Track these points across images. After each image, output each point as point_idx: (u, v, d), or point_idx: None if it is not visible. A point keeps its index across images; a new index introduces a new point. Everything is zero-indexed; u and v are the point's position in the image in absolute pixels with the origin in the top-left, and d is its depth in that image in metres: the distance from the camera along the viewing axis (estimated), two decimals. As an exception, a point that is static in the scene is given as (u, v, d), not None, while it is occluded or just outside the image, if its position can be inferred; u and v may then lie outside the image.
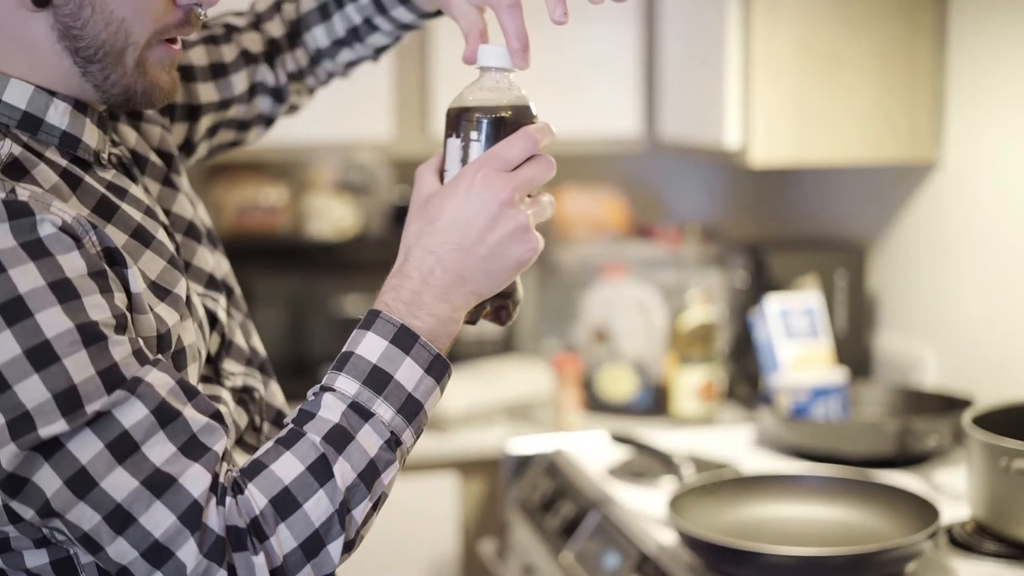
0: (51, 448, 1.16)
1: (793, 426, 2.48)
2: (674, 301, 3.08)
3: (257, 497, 1.21)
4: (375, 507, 1.26)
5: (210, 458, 1.21)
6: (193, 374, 1.36)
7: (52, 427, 1.15)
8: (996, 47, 2.47)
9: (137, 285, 1.27)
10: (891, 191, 2.86)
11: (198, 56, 1.67)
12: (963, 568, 1.93)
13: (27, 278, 1.16)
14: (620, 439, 2.42)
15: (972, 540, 2.00)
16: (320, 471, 1.22)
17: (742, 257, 3.02)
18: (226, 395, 1.45)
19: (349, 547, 1.24)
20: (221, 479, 1.20)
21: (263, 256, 3.15)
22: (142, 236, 1.35)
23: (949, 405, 2.45)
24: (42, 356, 1.16)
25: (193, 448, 1.21)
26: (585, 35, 3.21)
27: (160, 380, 1.22)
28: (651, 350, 3.08)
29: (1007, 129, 2.45)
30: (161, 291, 1.33)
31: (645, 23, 3.24)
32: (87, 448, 1.17)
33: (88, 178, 1.34)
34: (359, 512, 1.23)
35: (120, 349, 1.20)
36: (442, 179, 1.35)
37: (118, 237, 1.31)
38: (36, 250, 1.18)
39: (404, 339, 1.27)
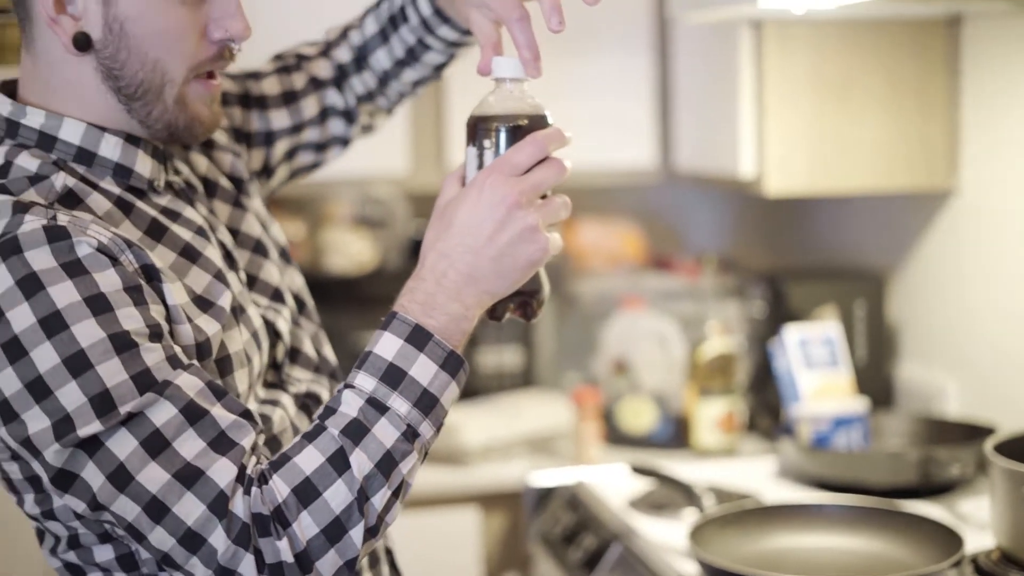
0: (92, 446, 1.28)
1: (814, 456, 2.47)
2: (693, 332, 3.08)
3: (280, 487, 1.29)
4: (396, 495, 1.33)
5: (237, 452, 1.31)
6: (242, 378, 1.48)
7: (89, 427, 1.27)
8: (1009, 72, 2.47)
9: (174, 298, 1.39)
10: (908, 219, 2.86)
11: (271, 86, 1.82)
12: (988, 597, 1.92)
13: (65, 294, 1.29)
14: (641, 471, 2.41)
15: (997, 569, 1.98)
16: (338, 462, 1.30)
17: (760, 287, 3.02)
18: (287, 400, 1.57)
19: (372, 532, 1.32)
20: (248, 471, 1.30)
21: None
22: (189, 254, 1.47)
23: (971, 434, 2.44)
24: (78, 364, 1.28)
25: (221, 443, 1.31)
26: (599, 66, 3.22)
27: (189, 382, 1.32)
28: (671, 382, 3.08)
29: (1023, 154, 2.44)
30: (204, 303, 1.44)
31: (659, 54, 3.25)
32: (123, 445, 1.28)
33: (141, 204, 1.47)
34: (378, 500, 1.31)
35: (152, 355, 1.31)
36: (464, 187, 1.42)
37: (166, 255, 1.44)
38: (74, 269, 1.30)
39: (418, 337, 1.34)
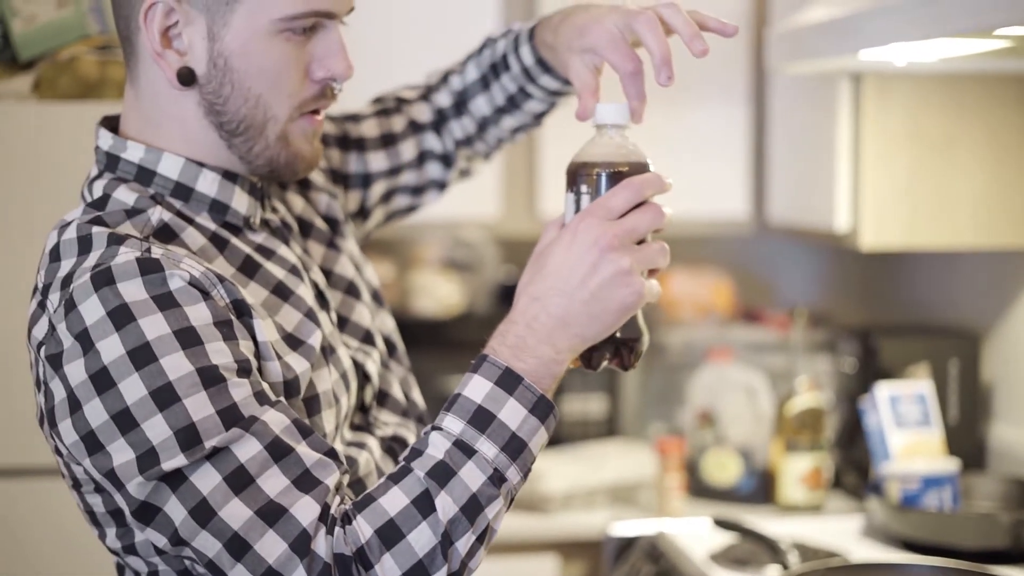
0: (176, 480, 1.28)
1: (903, 515, 2.43)
2: (781, 386, 3.04)
3: (364, 528, 1.28)
4: (480, 540, 1.31)
5: (321, 491, 1.30)
6: (328, 419, 1.47)
7: (173, 461, 1.27)
8: None
9: (264, 335, 1.39)
10: (1006, 277, 2.81)
11: (370, 128, 1.82)
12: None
13: (155, 327, 1.29)
14: (724, 524, 2.38)
15: (1089, 639, 1.93)
16: (423, 504, 1.29)
17: (851, 343, 2.98)
18: (373, 443, 1.55)
19: None
20: (332, 510, 1.29)
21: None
22: (281, 291, 1.47)
23: None
24: (165, 396, 1.28)
25: (305, 481, 1.30)
26: (696, 116, 3.21)
27: (276, 419, 1.32)
28: (757, 435, 3.04)
29: None
30: (294, 341, 1.44)
31: (755, 105, 3.23)
32: (207, 480, 1.28)
33: (235, 240, 1.48)
34: (462, 544, 1.29)
35: (240, 391, 1.31)
36: None
37: (258, 293, 1.45)
38: (165, 302, 1.31)
39: (508, 381, 1.33)
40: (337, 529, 1.29)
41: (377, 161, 1.81)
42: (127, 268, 1.32)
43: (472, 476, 1.30)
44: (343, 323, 1.61)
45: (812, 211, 2.81)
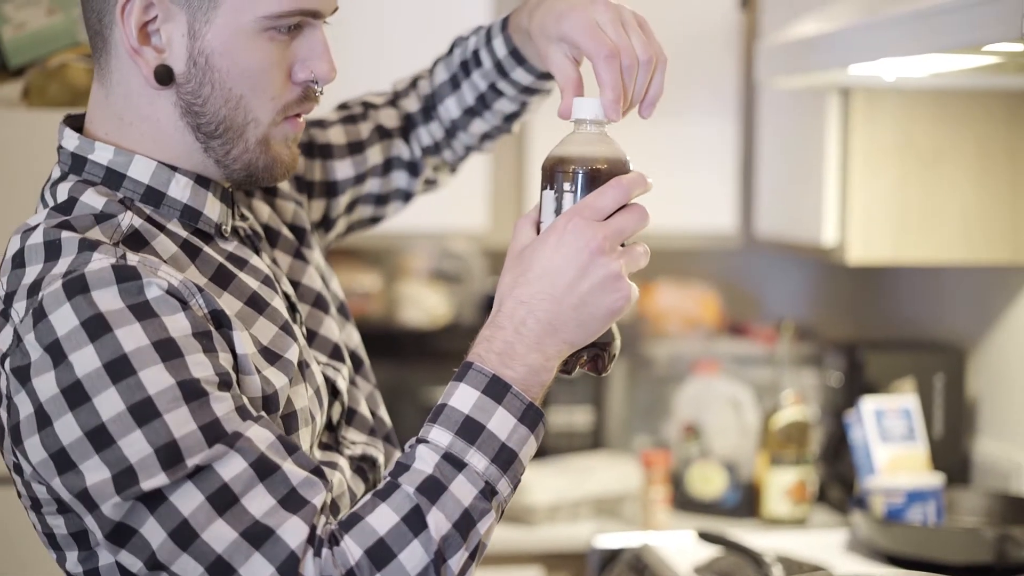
0: (155, 500, 1.22)
1: (887, 529, 2.43)
2: (767, 400, 3.04)
3: (353, 548, 1.23)
4: (472, 557, 1.27)
5: (308, 511, 1.24)
6: (305, 437, 1.41)
7: (153, 480, 1.21)
8: None
9: (243, 347, 1.33)
10: (992, 293, 2.82)
11: (337, 135, 1.76)
12: None
13: (132, 337, 1.23)
14: (708, 537, 2.37)
15: (1073, 655, 1.94)
16: (414, 521, 1.24)
17: (837, 357, 2.99)
18: (343, 463, 1.49)
19: None
20: (319, 531, 1.24)
21: (355, 342, 3.16)
22: (256, 303, 1.41)
23: None
24: (144, 412, 1.22)
25: (292, 501, 1.24)
26: (683, 129, 3.21)
27: (260, 435, 1.26)
28: (742, 448, 3.04)
29: None
30: (271, 355, 1.38)
31: (744, 118, 3.24)
32: (189, 500, 1.22)
33: (207, 249, 1.41)
34: (455, 562, 1.25)
35: (222, 405, 1.25)
36: (538, 231, 1.35)
37: (232, 304, 1.38)
38: (142, 311, 1.25)
39: (496, 389, 1.28)
40: (325, 550, 1.23)
41: (343, 169, 1.75)
42: (102, 275, 1.25)
43: (463, 490, 1.26)
44: (312, 337, 1.55)
45: (800, 225, 2.81)
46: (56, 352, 1.23)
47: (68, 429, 1.22)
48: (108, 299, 1.24)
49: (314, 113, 1.54)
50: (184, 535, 1.21)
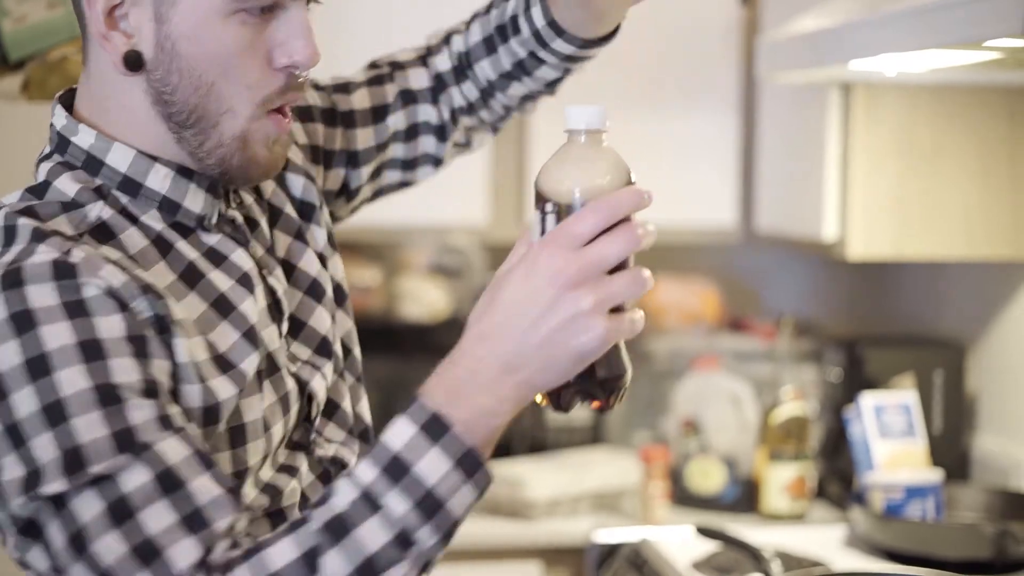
0: (58, 504, 1.17)
1: (886, 525, 2.44)
2: (767, 395, 3.05)
3: None
4: None
5: (207, 534, 1.17)
6: (255, 450, 1.34)
7: (54, 484, 1.16)
8: None
9: (185, 355, 1.26)
10: (992, 289, 2.83)
11: (361, 100, 1.67)
12: None
13: (57, 336, 1.18)
14: (707, 532, 2.38)
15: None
16: (309, 561, 1.14)
17: (837, 353, 2.99)
18: (305, 468, 1.42)
19: None
20: (215, 555, 1.16)
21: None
22: (222, 306, 1.34)
23: None
24: (55, 414, 1.17)
25: (192, 521, 1.17)
26: (684, 124, 3.21)
27: (174, 448, 1.19)
28: (742, 444, 3.04)
29: None
30: (225, 364, 1.31)
31: (745, 113, 3.24)
32: (87, 508, 1.16)
33: (181, 245, 1.34)
34: None
35: (139, 413, 1.19)
36: None
37: (194, 306, 1.31)
38: (75, 310, 1.20)
39: (434, 427, 1.15)
40: None
41: (365, 139, 1.66)
42: (40, 270, 1.20)
43: (372, 535, 1.13)
44: (299, 328, 1.46)
45: (800, 220, 2.82)
46: None
47: None
48: (42, 295, 1.19)
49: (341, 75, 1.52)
50: (79, 543, 1.16)
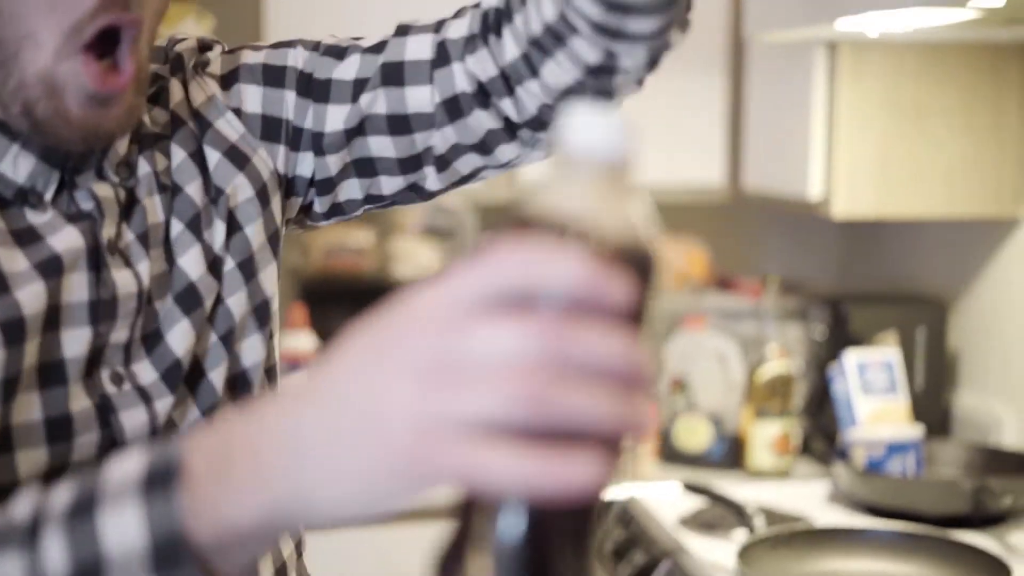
0: None
1: (867, 481, 2.47)
2: (753, 353, 3.07)
3: None
4: None
5: None
6: (26, 461, 1.03)
7: None
8: None
9: None
10: (975, 247, 2.85)
11: (346, 70, 1.30)
12: (1034, 630, 1.91)
13: None
14: (693, 489, 2.41)
15: (1045, 602, 1.98)
16: None
17: (822, 310, 3.02)
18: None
19: None
20: None
21: (348, 298, 3.18)
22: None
23: None
24: None
25: None
26: (671, 84, 3.22)
27: None
28: (728, 402, 3.07)
29: None
30: None
31: (732, 73, 3.25)
32: None
33: None
34: None
35: None
36: None
37: None
38: None
39: (159, 480, 0.76)
40: None
41: (335, 118, 1.30)
42: None
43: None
44: (154, 343, 1.14)
45: (786, 180, 2.84)
46: None
47: None
48: None
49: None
50: None
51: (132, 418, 1.10)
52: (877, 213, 2.67)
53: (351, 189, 1.33)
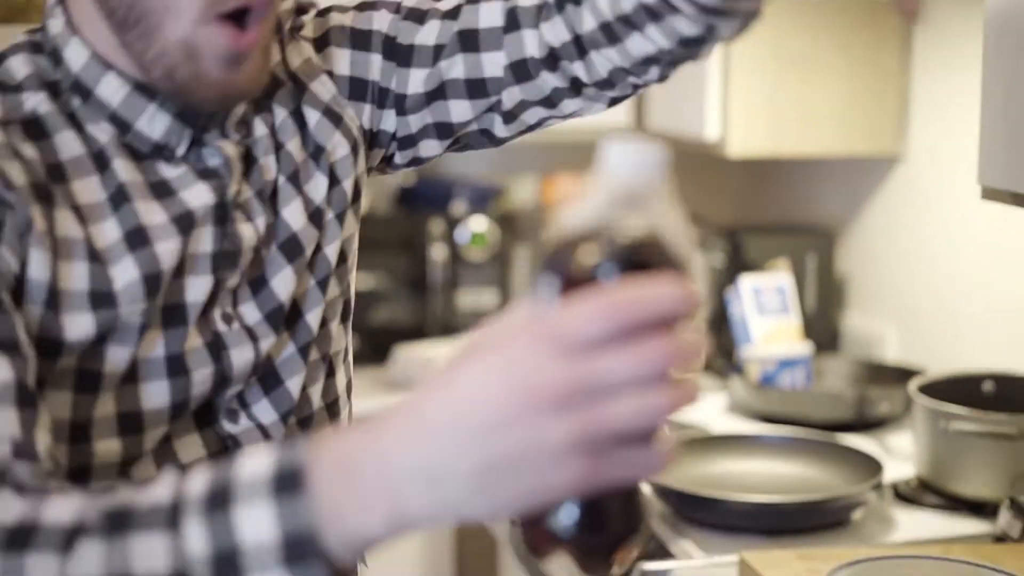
0: None
1: (761, 393, 2.66)
2: (658, 280, 3.20)
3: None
4: None
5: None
6: (105, 404, 1.14)
7: None
8: (954, 56, 2.65)
9: (38, 272, 1.09)
10: (859, 182, 3.01)
11: (427, 35, 1.37)
12: (904, 518, 2.13)
13: None
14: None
15: (915, 494, 2.19)
16: (69, 536, 0.84)
17: (721, 240, 3.13)
18: (196, 442, 1.22)
19: None
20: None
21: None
22: (134, 240, 1.15)
23: (904, 376, 2.59)
24: None
25: None
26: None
27: None
28: (636, 326, 3.21)
29: (962, 129, 2.61)
30: (101, 302, 1.12)
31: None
32: None
33: (118, 163, 1.16)
34: None
35: None
36: None
37: (110, 233, 1.14)
38: None
39: (288, 485, 0.80)
40: None
41: (416, 80, 1.37)
42: None
43: (146, 553, 0.81)
44: (259, 287, 1.24)
45: (686, 121, 2.95)
46: None
47: None
48: None
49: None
50: None
51: (240, 355, 1.22)
52: (770, 152, 2.82)
53: (431, 146, 1.41)
